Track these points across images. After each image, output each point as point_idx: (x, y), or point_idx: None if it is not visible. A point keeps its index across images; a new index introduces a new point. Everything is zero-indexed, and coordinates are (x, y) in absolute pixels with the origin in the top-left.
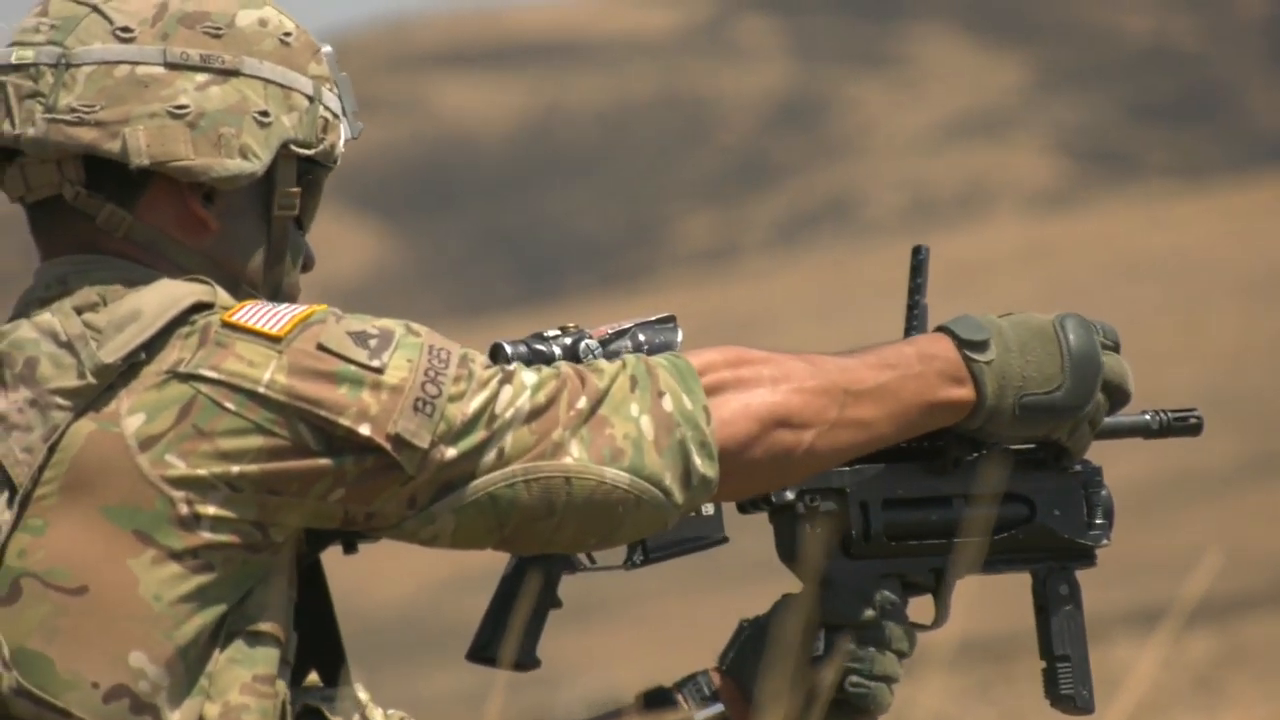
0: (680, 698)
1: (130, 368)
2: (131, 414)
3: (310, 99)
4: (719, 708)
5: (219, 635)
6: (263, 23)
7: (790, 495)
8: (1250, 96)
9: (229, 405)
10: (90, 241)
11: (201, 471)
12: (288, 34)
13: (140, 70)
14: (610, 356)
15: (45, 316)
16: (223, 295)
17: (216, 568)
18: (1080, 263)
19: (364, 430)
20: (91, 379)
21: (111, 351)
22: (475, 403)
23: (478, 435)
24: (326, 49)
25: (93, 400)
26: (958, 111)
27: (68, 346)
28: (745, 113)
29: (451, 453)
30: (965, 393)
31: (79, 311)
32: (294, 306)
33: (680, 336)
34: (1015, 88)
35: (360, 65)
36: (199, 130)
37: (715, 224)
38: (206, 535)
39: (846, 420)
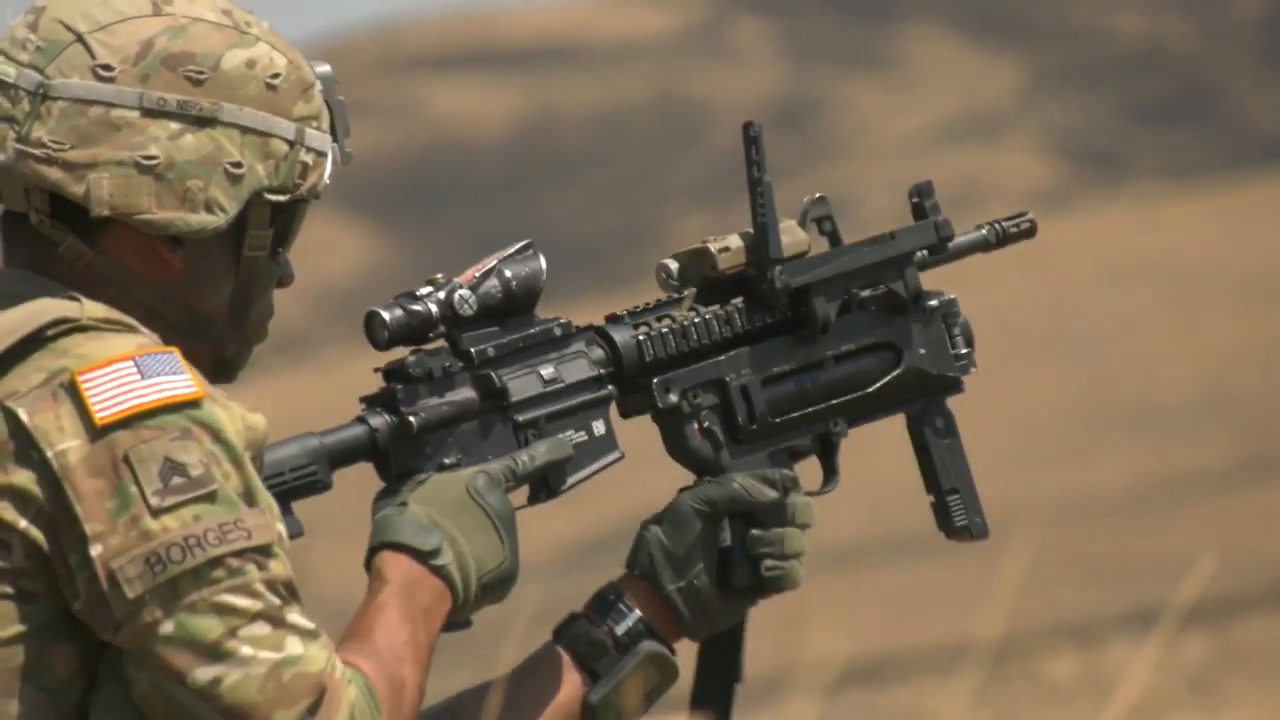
0: (593, 618)
1: None
2: None
3: (291, 143)
4: (636, 614)
5: (86, 669)
6: (250, 64)
7: (673, 396)
8: (1244, 99)
9: (34, 456)
10: (43, 264)
11: (4, 517)
12: (275, 75)
13: (114, 113)
14: (483, 299)
15: None
16: (90, 308)
17: (39, 595)
18: (1073, 264)
19: (94, 550)
20: None
21: None
22: (223, 596)
23: (204, 626)
24: (324, 69)
25: None
26: (951, 113)
27: None
28: (739, 115)
29: (168, 626)
30: (446, 599)
31: None
32: (165, 385)
33: (543, 262)
34: (1009, 89)
35: (353, 68)
36: (165, 182)
37: (710, 226)
38: (20, 564)
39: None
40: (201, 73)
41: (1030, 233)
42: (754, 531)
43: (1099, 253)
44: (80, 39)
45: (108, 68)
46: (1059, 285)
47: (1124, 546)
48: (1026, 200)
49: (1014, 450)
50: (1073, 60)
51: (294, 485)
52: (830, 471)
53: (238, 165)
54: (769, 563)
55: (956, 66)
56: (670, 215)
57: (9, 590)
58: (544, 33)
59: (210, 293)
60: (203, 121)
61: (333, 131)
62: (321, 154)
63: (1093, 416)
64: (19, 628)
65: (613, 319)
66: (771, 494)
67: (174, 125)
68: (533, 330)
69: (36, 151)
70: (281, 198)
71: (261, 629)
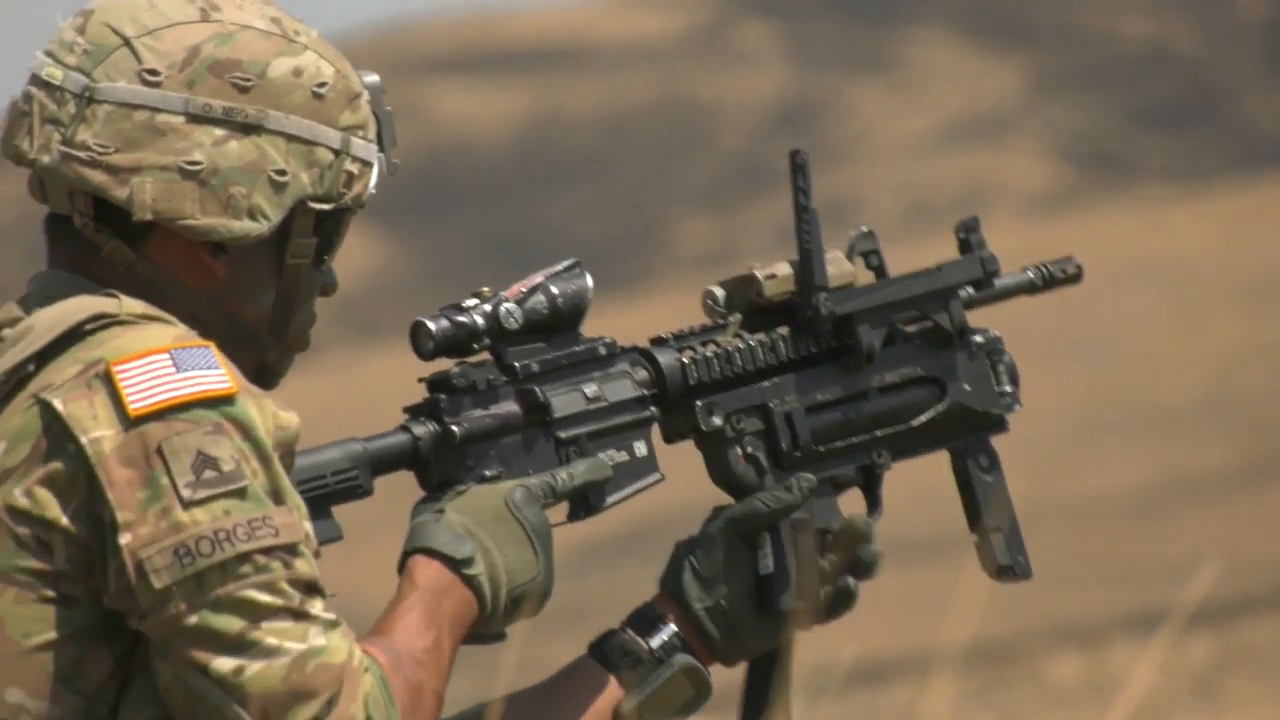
0: (630, 633)
1: (20, 382)
2: None
3: (336, 152)
4: (672, 628)
5: (119, 671)
6: (297, 72)
7: (717, 420)
8: (1248, 101)
9: (70, 446)
10: (87, 267)
11: (46, 514)
12: (322, 84)
13: (159, 118)
14: (529, 314)
15: None
16: (129, 304)
17: (81, 600)
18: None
19: (123, 539)
20: None
21: None
22: (248, 592)
23: (228, 621)
24: (372, 79)
25: None
26: (955, 115)
27: None
28: (744, 117)
29: (193, 619)
30: (473, 609)
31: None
32: (200, 380)
33: (589, 280)
34: (1013, 92)
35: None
36: (209, 189)
37: (714, 228)
38: (61, 566)
39: (424, 697)
40: (248, 80)
41: (1077, 278)
42: (822, 558)
43: (1103, 255)
44: (127, 43)
45: (154, 73)
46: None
47: (1128, 548)
48: (1030, 203)
49: (1018, 452)
50: (1077, 63)
51: (335, 489)
52: (874, 503)
53: (282, 173)
54: (852, 581)
55: (961, 69)
56: (675, 218)
57: (50, 594)
58: (549, 35)
59: (253, 300)
60: (248, 128)
61: (379, 141)
62: (367, 164)
63: (1097, 418)
64: (59, 632)
65: (657, 341)
66: (789, 498)
67: (219, 131)
68: (578, 348)
69: (81, 154)
70: (325, 206)
71: (284, 622)
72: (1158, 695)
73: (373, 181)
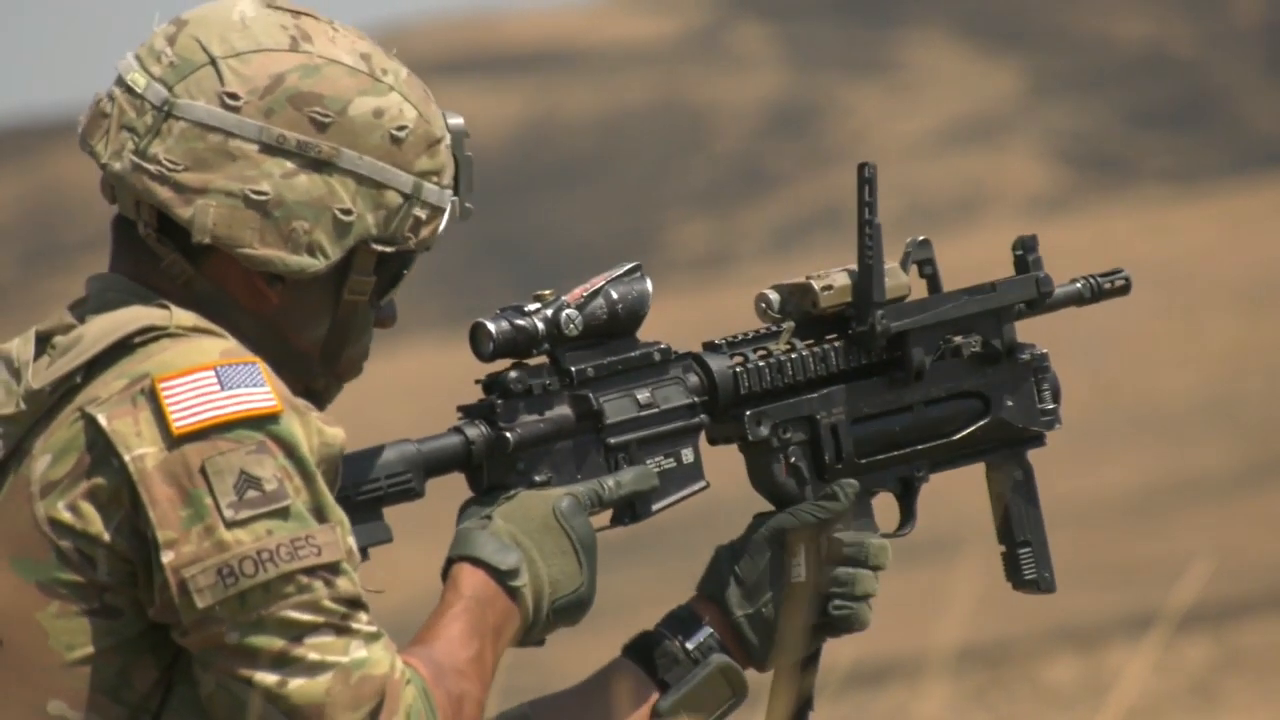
0: (666, 634)
1: (68, 392)
2: (42, 454)
3: (407, 197)
4: (709, 630)
5: (164, 680)
6: (378, 113)
7: (764, 430)
8: (1247, 103)
9: (114, 462)
10: (146, 275)
11: (90, 529)
12: (402, 127)
13: (233, 143)
14: (589, 319)
15: (15, 340)
16: (179, 316)
17: (125, 611)
18: (1076, 268)
19: (165, 558)
20: (23, 406)
21: (44, 377)
22: (290, 612)
23: (271, 639)
24: (456, 121)
25: (30, 428)
26: (953, 118)
27: (16, 372)
28: (741, 120)
29: (233, 638)
30: (516, 619)
31: (50, 335)
32: (244, 398)
33: (649, 285)
34: (1011, 94)
35: None
36: (271, 220)
37: (711, 231)
38: (104, 579)
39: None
40: (327, 116)
41: (1125, 289)
42: (829, 569)
43: (1102, 257)
44: (213, 63)
45: (234, 96)
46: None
47: (1126, 550)
48: (1029, 204)
49: None
50: (1075, 64)
51: (389, 492)
52: (908, 515)
53: (347, 212)
54: (838, 602)
55: (959, 71)
56: (673, 220)
57: (94, 606)
58: (547, 38)
59: (306, 330)
60: (319, 165)
61: (456, 185)
62: (438, 209)
63: (1096, 420)
64: (103, 644)
65: (710, 347)
66: (837, 506)
67: (289, 164)
68: (633, 353)
69: (151, 168)
70: (388, 248)
71: (327, 636)
72: (1155, 697)
73: (442, 227)
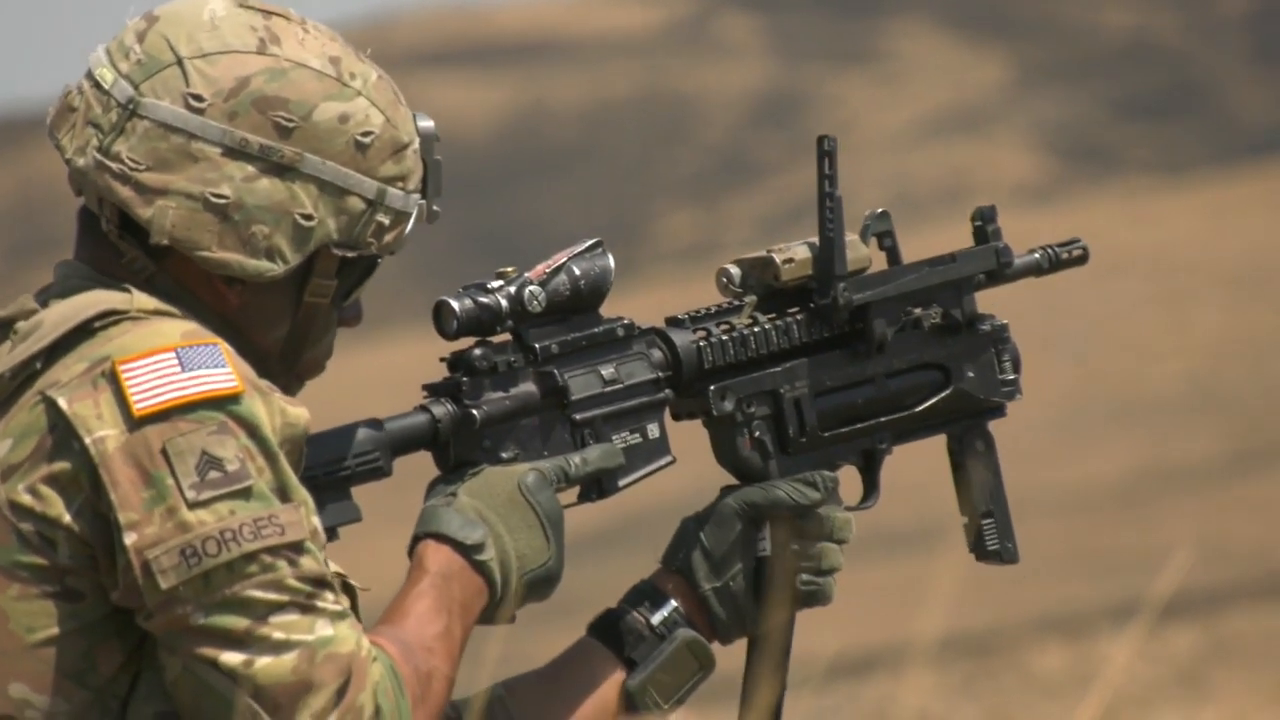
0: (630, 610)
1: (28, 378)
2: (3, 439)
3: (370, 203)
4: (673, 604)
5: (131, 665)
6: (343, 119)
7: (728, 405)
8: (1232, 92)
9: (74, 445)
10: (109, 267)
11: (50, 511)
12: (367, 133)
13: (195, 145)
14: (552, 295)
15: None
16: (140, 299)
17: (87, 594)
18: None
19: (128, 539)
20: None
21: (4, 363)
22: (255, 591)
23: (235, 619)
24: (426, 125)
25: None
26: (939, 108)
27: None
28: (727, 110)
29: (198, 618)
30: (484, 594)
31: (12, 321)
32: (205, 379)
33: (611, 261)
34: (997, 84)
35: None
36: (230, 223)
37: (697, 221)
38: (65, 562)
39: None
40: (291, 120)
41: (1082, 259)
42: (794, 545)
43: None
44: (180, 63)
45: (199, 98)
46: (1048, 279)
47: (1113, 538)
48: (1015, 194)
49: (1003, 443)
50: (1061, 54)
51: (356, 471)
52: (871, 487)
53: (308, 218)
54: (805, 577)
55: (944, 61)
56: (659, 210)
57: (54, 589)
58: (532, 28)
59: (266, 330)
60: (282, 169)
61: (424, 188)
62: (402, 214)
63: (1082, 409)
64: (65, 626)
65: (673, 322)
66: (815, 495)
67: (251, 168)
68: (596, 329)
69: (113, 166)
70: (349, 253)
71: (292, 615)
72: (1143, 686)
73: (406, 231)
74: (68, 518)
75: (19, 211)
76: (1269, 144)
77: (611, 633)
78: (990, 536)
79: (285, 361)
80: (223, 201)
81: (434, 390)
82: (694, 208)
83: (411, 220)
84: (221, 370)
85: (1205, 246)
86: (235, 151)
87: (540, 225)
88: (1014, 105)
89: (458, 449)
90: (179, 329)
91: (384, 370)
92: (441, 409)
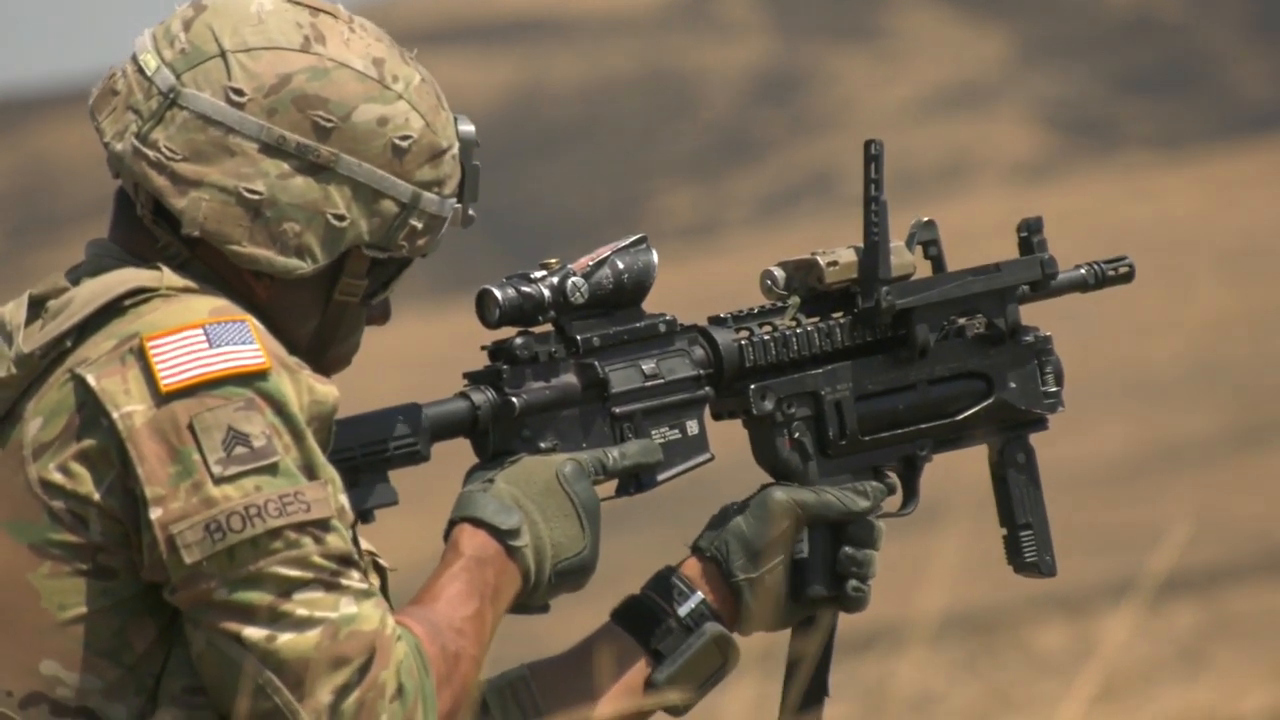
0: (657, 600)
1: (59, 356)
2: (34, 417)
3: (404, 206)
4: (699, 595)
5: (164, 641)
6: (382, 121)
7: (769, 404)
8: (1233, 68)
9: (103, 421)
10: (141, 250)
11: (81, 489)
12: (406, 137)
13: (232, 139)
14: (595, 288)
15: (9, 305)
16: (169, 277)
17: (119, 572)
18: (1063, 234)
19: (154, 514)
20: (15, 370)
21: (35, 341)
22: (279, 568)
23: (259, 595)
24: (467, 129)
25: (23, 392)
26: (940, 84)
27: (8, 336)
28: (727, 88)
29: (222, 594)
30: (517, 580)
31: (44, 299)
32: (233, 356)
33: (655, 257)
34: (997, 60)
35: None
36: (262, 220)
37: (698, 199)
38: (98, 539)
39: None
40: (330, 120)
41: (1129, 277)
42: (846, 550)
43: (1088, 222)
44: (223, 55)
45: (240, 92)
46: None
47: (1115, 515)
48: (1015, 171)
49: None
50: (1061, 30)
51: (394, 454)
52: (910, 494)
53: (341, 218)
54: (854, 583)
55: (945, 38)
56: (659, 189)
57: (87, 566)
58: (532, 5)
59: (294, 324)
60: (317, 169)
61: (461, 192)
62: (437, 219)
63: (1082, 386)
64: (98, 604)
65: (716, 320)
66: (864, 504)
67: (287, 165)
68: (638, 324)
69: (150, 154)
70: (381, 255)
71: (316, 592)
72: (1144, 663)
73: (440, 235)
74: (98, 495)
75: (19, 192)
76: (1269, 119)
77: (637, 622)
78: (1029, 548)
79: (311, 355)
80: (256, 197)
81: (474, 378)
82: (694, 186)
83: (446, 225)
84: (249, 347)
85: (1205, 222)
86: (272, 148)
87: (540, 204)
88: (1014, 81)
89: (497, 437)
90: (208, 305)
91: (386, 349)
92: (481, 396)
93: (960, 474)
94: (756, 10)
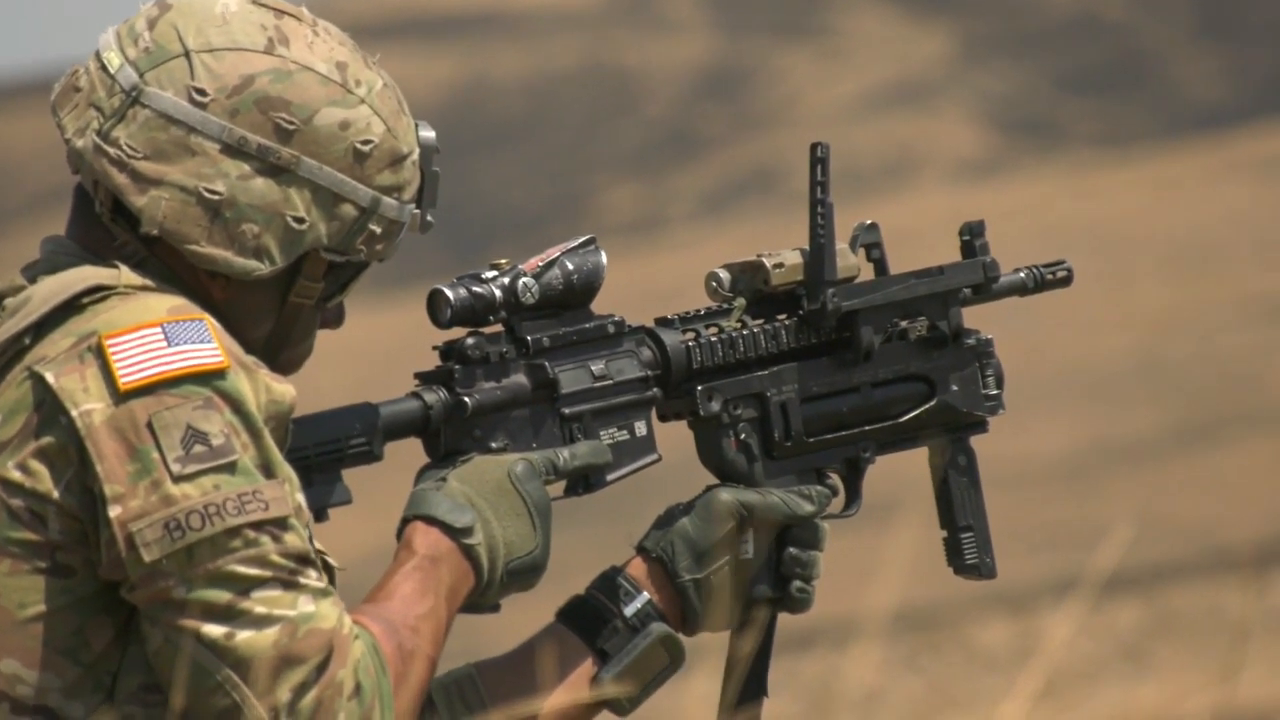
0: (602, 600)
1: (17, 354)
2: None
3: (363, 210)
4: (645, 596)
5: (122, 639)
6: (344, 125)
7: (715, 405)
8: (1177, 66)
9: (61, 419)
10: (99, 247)
11: (39, 487)
12: (367, 141)
13: (194, 139)
14: (545, 289)
15: None
16: (127, 276)
17: (78, 570)
18: (1008, 232)
19: (113, 512)
20: None
21: None
22: (238, 566)
23: (217, 593)
24: (427, 135)
25: None
26: (884, 81)
27: None
28: (670, 84)
29: (180, 592)
30: (470, 578)
31: (1, 297)
32: (191, 354)
33: (604, 257)
34: (941, 57)
35: None
36: (221, 220)
37: (641, 195)
38: (56, 537)
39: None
40: (292, 123)
41: (1067, 280)
42: (791, 551)
43: (1032, 220)
44: (187, 55)
45: (203, 92)
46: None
47: (1057, 513)
48: (959, 168)
49: None
50: (1005, 28)
51: (348, 454)
52: (853, 495)
53: (300, 220)
54: (799, 584)
55: (888, 35)
56: (602, 184)
57: (45, 564)
58: (475, 1)
59: (248, 326)
60: (278, 171)
61: (420, 198)
62: (395, 224)
63: (1026, 383)
64: (57, 602)
65: (663, 322)
66: (809, 508)
67: (247, 167)
68: (587, 325)
69: (111, 151)
70: (338, 258)
71: (274, 590)
72: (1087, 661)
73: (398, 239)
74: (57, 493)
75: None
76: (1213, 119)
77: (583, 622)
78: (970, 550)
79: (264, 358)
80: (216, 198)
81: (426, 378)
82: (637, 182)
83: (404, 230)
84: (207, 346)
85: (1149, 221)
86: (233, 149)
87: (483, 199)
88: (958, 79)
89: (448, 437)
90: (166, 304)
91: (327, 344)
92: (434, 396)
93: (905, 475)
94: (700, 7)
